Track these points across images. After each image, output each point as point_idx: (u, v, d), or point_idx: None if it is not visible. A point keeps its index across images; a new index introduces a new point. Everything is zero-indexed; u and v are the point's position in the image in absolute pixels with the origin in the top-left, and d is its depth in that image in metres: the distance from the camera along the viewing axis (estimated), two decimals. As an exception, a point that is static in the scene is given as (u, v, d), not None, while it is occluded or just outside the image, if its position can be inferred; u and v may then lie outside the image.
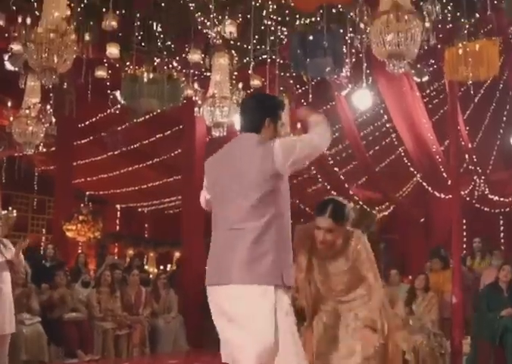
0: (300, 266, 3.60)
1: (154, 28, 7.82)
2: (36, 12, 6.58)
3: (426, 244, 11.65)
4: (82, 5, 7.20)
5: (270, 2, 7.73)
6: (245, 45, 8.72)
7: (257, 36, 8.65)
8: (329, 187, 12.14)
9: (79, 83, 9.75)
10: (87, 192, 15.68)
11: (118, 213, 17.41)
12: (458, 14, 7.75)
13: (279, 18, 7.94)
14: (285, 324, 2.97)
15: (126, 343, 8.80)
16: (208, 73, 8.49)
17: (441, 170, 9.99)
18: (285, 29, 8.44)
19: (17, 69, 8.55)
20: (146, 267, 14.89)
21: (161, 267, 16.01)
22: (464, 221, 11.93)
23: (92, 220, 12.86)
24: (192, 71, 9.27)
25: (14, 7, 7.14)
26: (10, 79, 8.81)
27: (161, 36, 7.77)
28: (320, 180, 12.52)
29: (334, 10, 7.86)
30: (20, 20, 6.34)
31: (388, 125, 11.11)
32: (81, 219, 12.65)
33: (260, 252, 3.01)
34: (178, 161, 12.47)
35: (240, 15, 8.09)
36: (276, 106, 3.32)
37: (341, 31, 7.91)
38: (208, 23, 7.01)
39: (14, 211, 12.19)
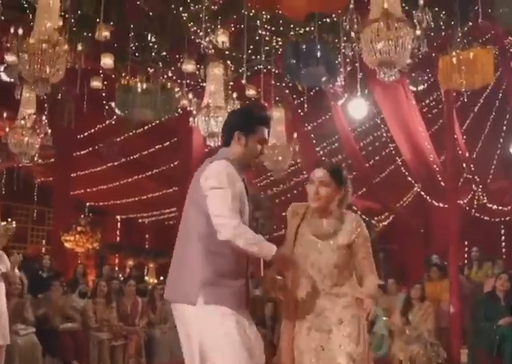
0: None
1: (148, 38, 7.82)
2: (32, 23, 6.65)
3: (426, 254, 11.58)
4: (76, 16, 7.19)
5: (263, 12, 7.74)
6: (241, 55, 8.74)
7: (252, 46, 8.68)
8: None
9: (74, 93, 9.83)
10: (87, 204, 15.72)
11: (118, 224, 17.42)
12: (453, 22, 7.75)
13: (273, 28, 7.93)
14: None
15: (122, 354, 8.73)
16: (204, 84, 8.52)
17: (439, 179, 9.95)
18: (280, 39, 8.44)
19: (12, 80, 8.62)
20: (146, 278, 14.85)
21: (161, 277, 15.96)
22: (464, 231, 11.90)
23: (90, 231, 12.87)
24: (188, 81, 9.31)
25: (3, 18, 7.13)
26: (6, 90, 8.86)
27: (155, 46, 7.77)
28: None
29: (328, 20, 7.88)
30: (12, 30, 6.38)
31: (385, 135, 11.09)
32: (79, 230, 12.67)
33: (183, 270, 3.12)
34: (177, 172, 12.47)
35: (235, 25, 8.11)
36: (250, 120, 3.17)
37: (336, 40, 7.94)
38: (201, 33, 7.02)
39: (13, 222, 12.20)
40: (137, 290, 9.64)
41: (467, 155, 10.60)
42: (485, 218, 12.36)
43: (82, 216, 14.14)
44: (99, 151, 12.52)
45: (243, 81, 8.01)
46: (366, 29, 5.84)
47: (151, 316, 9.37)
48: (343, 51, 7.76)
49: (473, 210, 12.05)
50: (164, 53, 8.19)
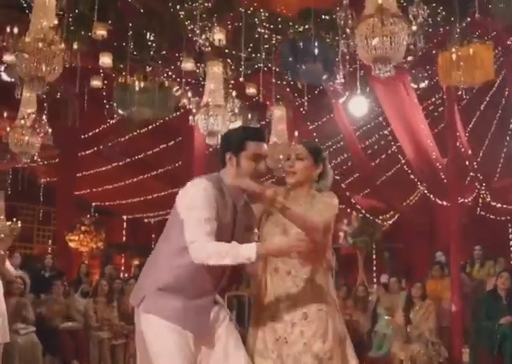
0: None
1: (146, 37, 7.81)
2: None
3: (431, 253, 11.49)
4: (73, 15, 7.20)
5: (261, 10, 7.71)
6: (240, 54, 8.72)
7: (251, 44, 8.65)
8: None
9: (78, 93, 9.86)
10: (93, 204, 15.76)
11: (124, 224, 17.44)
12: (453, 19, 7.68)
13: (272, 26, 7.90)
14: None
15: (123, 353, 8.73)
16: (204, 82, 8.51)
17: (443, 177, 9.87)
18: (279, 37, 8.41)
19: (13, 80, 8.65)
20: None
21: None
22: (470, 229, 11.79)
23: (94, 230, 12.88)
24: (189, 80, 9.30)
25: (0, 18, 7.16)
26: (7, 89, 8.90)
27: (153, 44, 7.77)
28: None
29: (328, 17, 7.83)
30: (8, 29, 6.40)
31: (387, 133, 11.02)
32: (83, 229, 12.69)
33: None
34: (182, 171, 12.47)
35: (233, 23, 8.09)
36: (238, 137, 3.07)
37: (336, 38, 7.88)
38: (198, 31, 7.00)
39: (19, 222, 12.27)
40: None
41: (470, 152, 10.49)
42: (491, 216, 12.24)
43: (88, 216, 14.19)
44: (101, 151, 12.53)
45: (241, 79, 7.96)
46: (361, 25, 5.79)
47: (152, 315, 9.35)
48: (342, 48, 7.73)
49: (478, 208, 11.95)
50: (164, 52, 8.15)
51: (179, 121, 10.43)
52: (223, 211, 2.96)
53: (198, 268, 2.90)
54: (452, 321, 8.16)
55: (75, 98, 10.66)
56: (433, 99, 11.36)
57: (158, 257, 3.04)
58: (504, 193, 11.79)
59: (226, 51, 8.58)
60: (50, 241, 15.65)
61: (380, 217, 12.48)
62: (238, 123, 9.32)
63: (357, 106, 8.53)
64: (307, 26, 7.97)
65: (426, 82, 8.74)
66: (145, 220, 17.36)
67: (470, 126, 12.03)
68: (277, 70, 8.60)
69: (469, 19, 7.03)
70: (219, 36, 7.21)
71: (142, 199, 15.38)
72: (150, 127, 12.04)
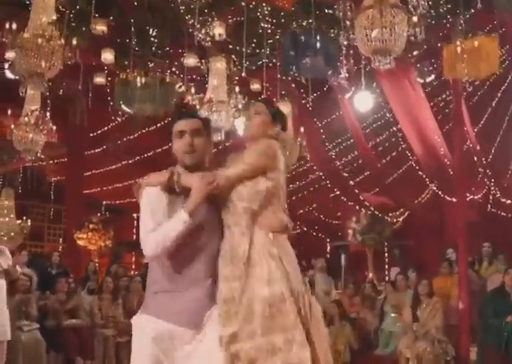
0: None
1: (149, 33, 7.77)
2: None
3: (442, 250, 11.33)
4: (74, 11, 7.17)
5: (264, 4, 7.64)
6: (244, 49, 8.65)
7: (255, 40, 8.59)
8: (338, 192, 11.96)
9: (80, 91, 9.86)
10: (104, 202, 15.75)
11: (135, 222, 17.41)
12: (458, 11, 7.55)
13: (274, 20, 7.83)
14: None
15: (128, 351, 8.70)
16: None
17: (451, 173, 9.71)
18: (283, 32, 8.33)
19: (17, 77, 8.64)
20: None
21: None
22: (481, 226, 11.61)
23: (102, 228, 12.88)
24: (194, 76, 9.25)
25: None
26: (12, 87, 8.89)
27: (155, 40, 7.72)
28: (336, 190, 12.36)
29: (331, 11, 7.72)
30: (7, 25, 6.38)
31: (395, 130, 10.88)
32: (91, 227, 12.69)
33: None
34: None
35: (235, 17, 8.02)
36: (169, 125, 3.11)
37: (341, 32, 7.78)
38: (198, 26, 6.94)
39: (29, 220, 12.32)
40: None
41: (478, 148, 10.32)
42: (502, 213, 12.05)
43: (99, 214, 14.19)
44: (108, 149, 12.53)
45: (243, 74, 7.89)
46: (360, 17, 5.71)
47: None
48: (346, 42, 7.64)
49: (489, 205, 11.77)
50: (166, 48, 8.10)
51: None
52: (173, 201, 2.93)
53: (179, 259, 2.87)
54: (460, 319, 8.02)
55: (82, 96, 10.67)
56: (444, 96, 11.21)
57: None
58: (512, 190, 11.61)
59: (230, 46, 8.53)
60: (61, 239, 15.69)
61: (390, 214, 12.35)
62: (242, 119, 9.27)
63: (363, 101, 8.42)
64: (310, 21, 7.86)
65: (433, 76, 8.59)
66: (155, 218, 17.28)
67: (482, 122, 11.85)
68: (285, 66, 8.50)
69: (473, 11, 6.89)
70: (219, 31, 7.14)
71: (152, 197, 15.31)
72: (158, 124, 12.01)
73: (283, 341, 2.74)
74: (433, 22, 6.93)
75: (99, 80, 8.85)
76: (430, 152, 9.92)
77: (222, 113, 8.20)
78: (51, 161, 13.88)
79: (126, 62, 8.25)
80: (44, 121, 8.31)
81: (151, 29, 7.97)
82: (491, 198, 11.61)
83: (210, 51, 7.73)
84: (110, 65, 8.45)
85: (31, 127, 8.25)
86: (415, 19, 5.89)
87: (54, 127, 8.68)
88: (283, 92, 9.38)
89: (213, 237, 2.95)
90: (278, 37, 8.52)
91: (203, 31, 6.94)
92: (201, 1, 6.93)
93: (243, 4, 7.16)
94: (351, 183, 11.55)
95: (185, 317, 2.85)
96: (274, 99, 9.88)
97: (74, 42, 6.49)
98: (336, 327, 8.57)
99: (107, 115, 11.79)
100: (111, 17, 7.58)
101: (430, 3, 6.38)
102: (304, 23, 7.98)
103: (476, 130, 11.06)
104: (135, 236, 17.44)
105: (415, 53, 8.46)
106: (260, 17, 7.95)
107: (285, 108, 9.50)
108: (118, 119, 11.92)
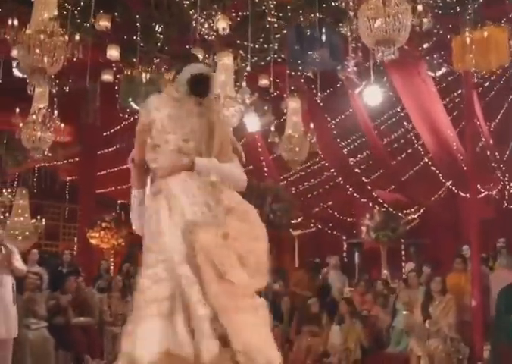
0: None
1: (154, 28, 7.72)
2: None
3: (458, 247, 11.14)
4: (78, 8, 7.15)
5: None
6: (252, 45, 8.57)
7: (262, 35, 8.51)
8: (351, 189, 11.82)
9: (92, 90, 9.86)
10: (118, 201, 15.74)
11: (150, 221, 17.40)
12: (467, 1, 7.40)
13: (281, 14, 7.73)
14: None
15: (137, 349, 8.67)
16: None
17: (465, 169, 9.52)
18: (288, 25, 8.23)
19: (25, 75, 8.65)
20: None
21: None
22: (497, 222, 11.40)
23: (115, 227, 12.87)
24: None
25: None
26: (20, 85, 8.90)
27: (161, 36, 7.67)
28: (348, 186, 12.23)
29: (337, 3, 7.61)
30: (10, 22, 6.38)
31: (410, 128, 10.71)
32: (104, 226, 12.69)
33: None
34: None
35: (242, 12, 7.95)
36: None
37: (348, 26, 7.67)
38: (202, 20, 6.87)
39: (43, 220, 12.36)
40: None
41: (491, 142, 10.12)
42: (519, 209, 11.83)
43: (113, 213, 14.17)
44: (121, 149, 12.52)
45: (247, 68, 7.80)
46: (362, 6, 5.59)
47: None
48: (355, 35, 7.51)
49: (505, 201, 11.54)
50: (172, 44, 8.05)
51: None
52: None
53: None
54: (472, 317, 7.84)
55: (94, 95, 10.68)
56: (460, 91, 11.02)
57: None
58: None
59: (238, 42, 8.45)
60: (75, 239, 15.71)
61: (404, 211, 12.18)
62: (252, 115, 9.19)
63: (372, 96, 8.28)
64: (317, 14, 7.76)
65: (444, 69, 8.42)
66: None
67: (499, 116, 11.63)
68: (291, 60, 8.40)
69: (481, 0, 6.73)
70: (222, 24, 7.06)
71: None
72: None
73: None
74: (440, 12, 6.77)
75: (106, 77, 8.82)
76: (443, 147, 9.74)
77: (230, 109, 8.13)
78: (65, 161, 13.97)
79: (134, 59, 8.22)
80: (51, 119, 8.32)
81: (156, 25, 7.91)
82: (506, 194, 11.39)
83: (216, 46, 7.65)
84: (117, 62, 8.43)
85: (38, 125, 8.26)
86: (420, 8, 5.77)
87: (62, 125, 8.70)
88: (292, 88, 9.29)
89: None
90: (286, 31, 8.43)
91: (206, 25, 6.86)
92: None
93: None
94: (364, 179, 11.39)
95: None
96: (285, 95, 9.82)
97: (77, 38, 6.47)
98: (347, 325, 8.44)
99: (119, 114, 11.80)
100: (116, 14, 7.53)
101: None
102: (311, 16, 7.88)
103: (491, 125, 10.87)
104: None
105: (425, 46, 8.33)
106: (266, 11, 7.86)
107: (295, 103, 9.43)
108: (131, 118, 11.93)
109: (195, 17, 6.99)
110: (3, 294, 6.69)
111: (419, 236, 13.03)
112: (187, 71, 3.16)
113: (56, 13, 6.27)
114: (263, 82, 8.98)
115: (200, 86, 3.13)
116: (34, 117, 8.34)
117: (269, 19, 8.09)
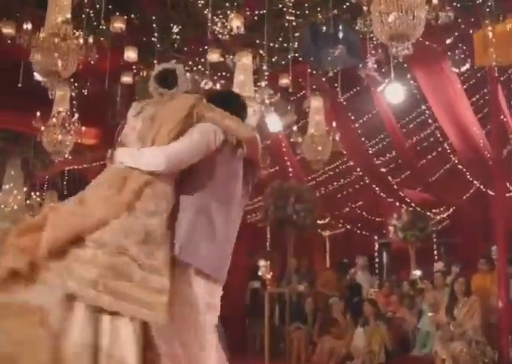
0: None
1: (170, 29, 7.70)
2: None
3: (488, 247, 10.85)
4: (94, 11, 7.16)
5: (286, -2, 7.46)
6: (272, 44, 8.50)
7: (282, 34, 8.42)
8: (377, 189, 11.62)
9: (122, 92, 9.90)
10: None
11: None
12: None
13: (298, 12, 7.63)
14: None
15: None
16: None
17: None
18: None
19: (45, 79, 8.71)
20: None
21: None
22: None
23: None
24: (223, 73, 9.13)
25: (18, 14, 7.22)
26: (43, 89, 8.97)
27: (177, 36, 7.64)
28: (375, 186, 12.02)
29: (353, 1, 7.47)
30: (24, 26, 6.42)
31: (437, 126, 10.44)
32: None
33: None
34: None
35: (259, 11, 7.87)
36: None
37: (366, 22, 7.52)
38: (216, 19, 6.82)
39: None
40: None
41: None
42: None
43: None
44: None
45: (264, 67, 7.71)
46: (375, 1, 5.45)
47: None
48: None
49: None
50: (189, 44, 8.03)
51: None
52: None
53: None
54: (498, 319, 7.61)
55: (118, 97, 10.72)
56: (486, 90, 10.74)
57: None
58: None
59: (257, 41, 8.37)
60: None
61: (433, 210, 11.92)
62: (272, 115, 9.09)
63: (394, 93, 8.08)
64: (335, 11, 7.63)
65: (468, 65, 8.18)
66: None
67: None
68: (305, 58, 8.27)
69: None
70: (236, 23, 6.99)
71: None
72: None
73: None
74: (459, 5, 6.58)
75: (126, 79, 8.84)
76: (470, 145, 9.48)
77: (249, 109, 8.06)
78: (94, 164, 14.06)
79: (152, 60, 8.21)
80: (71, 122, 8.36)
81: (174, 26, 7.89)
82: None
83: (231, 46, 7.59)
84: (135, 64, 8.43)
85: (58, 128, 8.32)
86: (435, 1, 5.61)
87: (84, 128, 8.73)
88: (314, 87, 9.18)
89: None
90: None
91: (219, 24, 6.80)
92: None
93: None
94: (390, 179, 11.17)
95: None
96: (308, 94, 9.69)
97: (91, 40, 6.47)
98: (371, 327, 8.29)
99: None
100: (132, 15, 7.54)
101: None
102: (329, 14, 7.75)
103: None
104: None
105: (448, 41, 8.13)
106: (284, 9, 7.77)
107: (317, 102, 9.30)
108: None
109: (209, 16, 6.92)
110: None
111: (450, 236, 12.75)
112: (155, 69, 3.51)
113: (69, 16, 6.27)
114: (284, 81, 8.86)
115: (164, 80, 3.37)
116: (54, 120, 8.40)
117: (287, 17, 7.99)
